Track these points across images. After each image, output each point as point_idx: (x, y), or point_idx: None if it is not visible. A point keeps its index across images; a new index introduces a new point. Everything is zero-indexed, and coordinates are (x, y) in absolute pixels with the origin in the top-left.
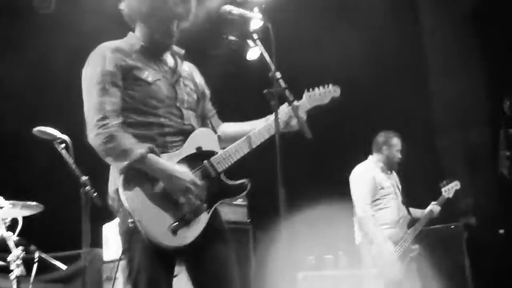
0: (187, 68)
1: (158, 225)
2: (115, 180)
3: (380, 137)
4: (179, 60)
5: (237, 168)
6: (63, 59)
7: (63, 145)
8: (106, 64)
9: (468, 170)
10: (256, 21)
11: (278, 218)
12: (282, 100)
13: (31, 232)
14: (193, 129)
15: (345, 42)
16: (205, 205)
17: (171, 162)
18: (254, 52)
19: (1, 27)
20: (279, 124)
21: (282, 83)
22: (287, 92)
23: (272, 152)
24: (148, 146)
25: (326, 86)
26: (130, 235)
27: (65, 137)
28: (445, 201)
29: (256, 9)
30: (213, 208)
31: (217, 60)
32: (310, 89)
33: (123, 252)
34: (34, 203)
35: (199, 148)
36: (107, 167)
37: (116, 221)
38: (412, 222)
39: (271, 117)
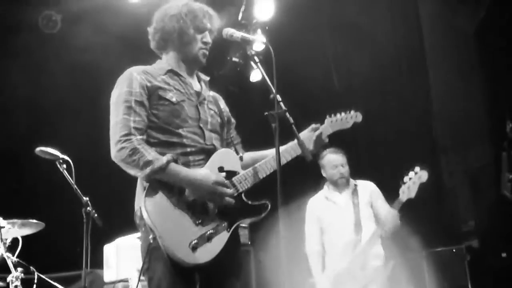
0: (212, 94)
1: (179, 242)
2: (139, 198)
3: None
4: (204, 85)
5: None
6: (67, 81)
7: (64, 166)
8: (133, 84)
9: (470, 192)
10: (258, 44)
11: (279, 240)
12: (282, 122)
13: (31, 252)
14: (215, 149)
15: (348, 61)
16: (225, 223)
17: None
18: (257, 73)
19: (6, 46)
20: (304, 145)
21: (282, 105)
22: (287, 115)
23: (272, 175)
24: (171, 155)
25: (348, 111)
26: (150, 254)
27: (66, 157)
28: (402, 204)
29: (259, 31)
30: (233, 227)
31: (221, 81)
32: (332, 115)
33: (143, 272)
34: (34, 220)
35: (221, 168)
36: (108, 189)
37: (118, 242)
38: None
39: (293, 142)
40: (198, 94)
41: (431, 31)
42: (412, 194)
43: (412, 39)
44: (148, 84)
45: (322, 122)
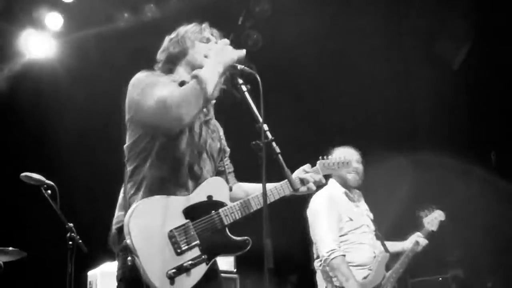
0: (214, 120)
1: (157, 268)
2: (119, 217)
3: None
4: (209, 107)
5: None
6: (52, 106)
7: (49, 191)
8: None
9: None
10: (247, 72)
11: (264, 268)
12: (268, 151)
13: (14, 278)
14: (202, 177)
15: (335, 104)
16: (204, 256)
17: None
18: (244, 100)
19: None
20: (293, 181)
21: (269, 135)
22: (273, 144)
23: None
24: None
25: (340, 157)
26: (126, 278)
27: (51, 183)
28: (429, 234)
29: (248, 59)
30: (212, 261)
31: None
32: (325, 157)
33: None
34: (10, 248)
35: (209, 197)
36: (92, 215)
37: (102, 268)
38: (391, 259)
39: (282, 182)
40: (205, 114)
41: (417, 64)
42: (435, 228)
43: (398, 76)
44: None
45: (313, 164)
